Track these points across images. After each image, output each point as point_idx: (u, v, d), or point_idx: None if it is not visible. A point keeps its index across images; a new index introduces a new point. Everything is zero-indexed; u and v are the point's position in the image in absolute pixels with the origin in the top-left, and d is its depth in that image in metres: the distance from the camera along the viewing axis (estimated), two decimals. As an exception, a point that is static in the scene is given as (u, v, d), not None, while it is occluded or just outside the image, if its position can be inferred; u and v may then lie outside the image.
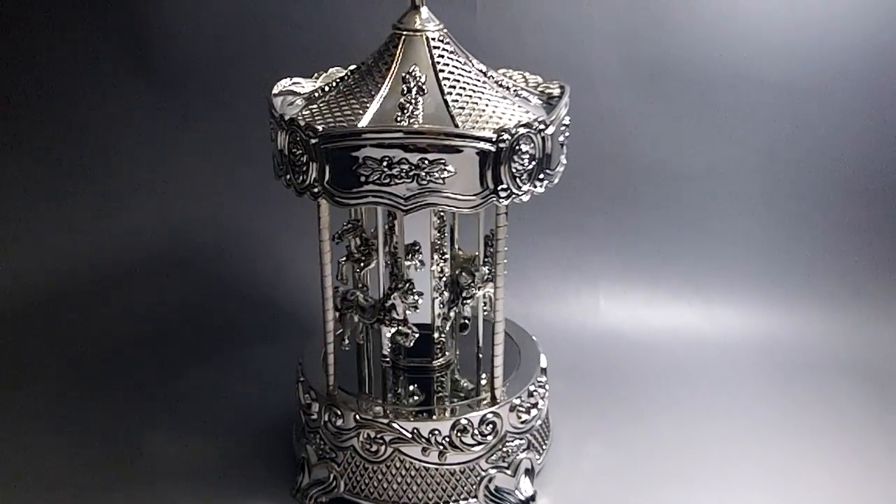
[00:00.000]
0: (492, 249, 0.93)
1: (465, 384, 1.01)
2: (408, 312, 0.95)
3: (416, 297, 0.94)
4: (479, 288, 0.99)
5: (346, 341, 1.00)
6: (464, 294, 0.99)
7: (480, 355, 1.04)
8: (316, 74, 1.00)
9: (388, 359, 1.01)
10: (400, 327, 0.95)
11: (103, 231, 1.47)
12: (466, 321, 1.06)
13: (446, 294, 1.00)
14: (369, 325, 0.98)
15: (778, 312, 1.31)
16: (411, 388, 1.00)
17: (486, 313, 1.05)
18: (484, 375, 1.00)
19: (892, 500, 0.98)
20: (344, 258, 1.00)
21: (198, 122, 1.49)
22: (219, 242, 1.46)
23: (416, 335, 0.96)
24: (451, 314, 1.01)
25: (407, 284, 0.94)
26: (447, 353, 1.03)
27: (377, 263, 0.99)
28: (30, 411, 1.13)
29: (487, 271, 1.00)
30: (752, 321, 1.31)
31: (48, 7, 1.47)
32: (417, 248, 0.96)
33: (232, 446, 1.06)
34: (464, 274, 0.99)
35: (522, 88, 0.96)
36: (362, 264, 1.01)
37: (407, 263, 0.95)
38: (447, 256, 1.00)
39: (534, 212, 1.29)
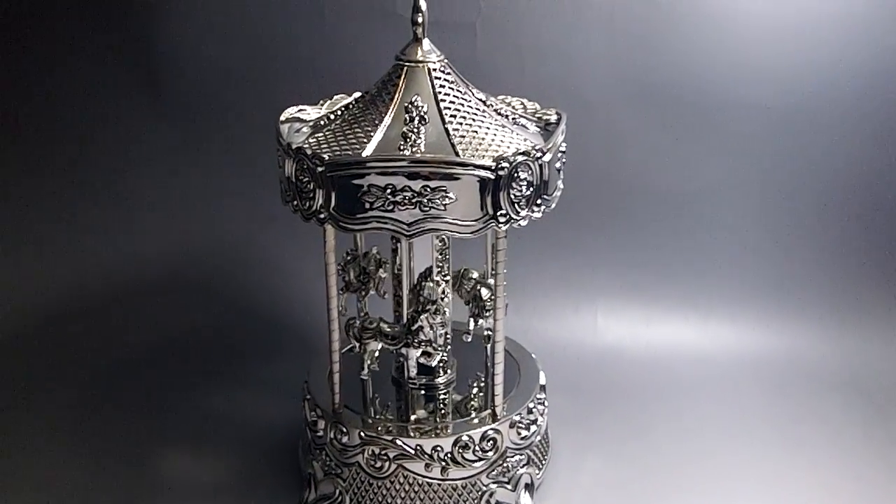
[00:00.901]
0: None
1: (467, 401, 1.03)
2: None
3: (443, 317, 0.97)
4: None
5: (366, 370, 1.02)
6: (486, 307, 1.02)
7: (481, 373, 1.07)
8: (321, 101, 1.02)
9: (414, 381, 1.03)
10: (426, 348, 0.98)
11: (112, 252, 1.49)
12: (489, 332, 1.06)
13: (469, 309, 1.03)
14: (395, 350, 1.00)
15: (773, 329, 1.33)
16: (414, 405, 1.02)
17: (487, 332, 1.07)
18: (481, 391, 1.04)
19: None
20: (342, 289, 1.03)
21: (206, 143, 1.51)
22: (226, 263, 1.48)
23: (441, 353, 0.99)
24: (472, 327, 1.04)
25: (434, 305, 0.96)
26: (449, 371, 1.05)
27: (403, 289, 1.01)
28: (42, 428, 1.15)
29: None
30: (748, 338, 1.33)
31: (59, 29, 1.50)
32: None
33: (240, 462, 1.08)
34: (483, 289, 1.02)
35: (521, 115, 0.98)
36: (362, 293, 1.04)
37: (431, 285, 0.98)
38: (448, 278, 1.03)
39: (533, 231, 1.31)
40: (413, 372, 1.03)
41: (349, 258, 1.04)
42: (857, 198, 1.37)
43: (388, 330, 1.00)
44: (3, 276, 1.44)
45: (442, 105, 0.90)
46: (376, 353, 1.02)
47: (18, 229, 1.50)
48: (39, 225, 1.50)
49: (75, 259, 1.48)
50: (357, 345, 1.01)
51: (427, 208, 0.84)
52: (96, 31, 1.50)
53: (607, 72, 1.38)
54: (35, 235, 1.49)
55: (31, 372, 1.26)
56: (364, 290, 1.05)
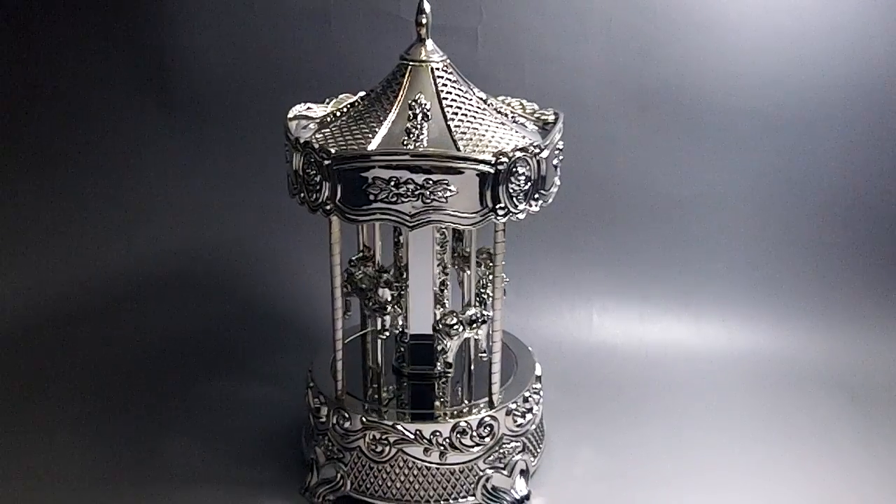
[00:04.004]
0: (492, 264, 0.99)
1: (465, 389, 1.05)
2: None
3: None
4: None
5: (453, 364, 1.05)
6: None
7: (478, 363, 1.09)
8: (327, 100, 1.05)
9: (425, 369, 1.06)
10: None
11: (120, 250, 1.51)
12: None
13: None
14: (473, 331, 1.02)
15: (762, 328, 1.36)
16: (414, 392, 1.05)
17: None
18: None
19: (866, 502, 1.03)
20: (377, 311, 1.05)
21: (212, 142, 1.54)
22: (232, 260, 1.50)
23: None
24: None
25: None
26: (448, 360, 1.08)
27: (470, 275, 1.06)
28: (55, 418, 1.17)
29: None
30: (738, 336, 1.35)
31: (66, 33, 1.53)
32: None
33: (246, 449, 1.11)
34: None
35: (519, 115, 1.02)
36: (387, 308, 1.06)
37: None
38: (448, 270, 1.06)
39: (532, 231, 1.36)
40: (484, 346, 1.06)
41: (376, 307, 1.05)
42: (846, 201, 1.40)
43: (470, 315, 1.01)
44: (13, 274, 1.46)
45: (444, 103, 0.93)
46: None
47: (26, 228, 1.52)
48: (47, 223, 1.53)
49: (84, 256, 1.50)
50: (448, 343, 1.01)
51: (429, 201, 0.87)
52: (104, 34, 1.52)
53: (605, 77, 1.41)
54: (43, 234, 1.52)
55: (43, 366, 1.28)
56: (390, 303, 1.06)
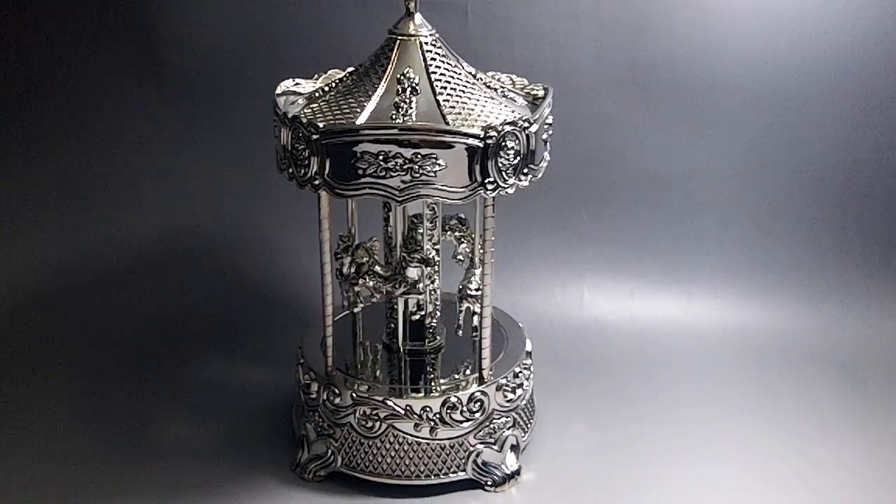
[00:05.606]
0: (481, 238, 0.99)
1: (455, 365, 1.05)
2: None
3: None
4: None
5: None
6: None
7: (471, 338, 1.09)
8: (316, 76, 1.05)
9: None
10: None
11: (111, 229, 1.50)
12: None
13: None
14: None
15: (753, 304, 1.36)
16: (405, 368, 1.05)
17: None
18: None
19: (855, 476, 1.04)
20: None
21: (202, 122, 1.53)
22: (222, 239, 1.49)
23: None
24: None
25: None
26: (438, 337, 1.08)
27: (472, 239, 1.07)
28: (47, 396, 1.17)
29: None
30: (728, 312, 1.35)
31: (53, 10, 1.51)
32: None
33: (237, 426, 1.11)
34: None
35: (509, 90, 1.02)
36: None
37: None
38: (438, 247, 1.06)
39: (523, 208, 1.35)
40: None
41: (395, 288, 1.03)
42: (838, 177, 1.40)
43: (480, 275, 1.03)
44: (4, 252, 1.45)
45: (433, 77, 0.93)
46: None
47: (14, 206, 1.51)
48: (35, 202, 1.52)
49: (72, 235, 1.49)
50: (476, 307, 1.04)
51: (418, 175, 0.86)
52: (94, 11, 1.51)
53: (595, 54, 1.41)
54: (31, 213, 1.51)
55: (34, 345, 1.28)
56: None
